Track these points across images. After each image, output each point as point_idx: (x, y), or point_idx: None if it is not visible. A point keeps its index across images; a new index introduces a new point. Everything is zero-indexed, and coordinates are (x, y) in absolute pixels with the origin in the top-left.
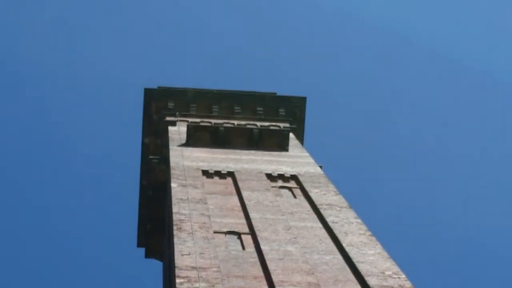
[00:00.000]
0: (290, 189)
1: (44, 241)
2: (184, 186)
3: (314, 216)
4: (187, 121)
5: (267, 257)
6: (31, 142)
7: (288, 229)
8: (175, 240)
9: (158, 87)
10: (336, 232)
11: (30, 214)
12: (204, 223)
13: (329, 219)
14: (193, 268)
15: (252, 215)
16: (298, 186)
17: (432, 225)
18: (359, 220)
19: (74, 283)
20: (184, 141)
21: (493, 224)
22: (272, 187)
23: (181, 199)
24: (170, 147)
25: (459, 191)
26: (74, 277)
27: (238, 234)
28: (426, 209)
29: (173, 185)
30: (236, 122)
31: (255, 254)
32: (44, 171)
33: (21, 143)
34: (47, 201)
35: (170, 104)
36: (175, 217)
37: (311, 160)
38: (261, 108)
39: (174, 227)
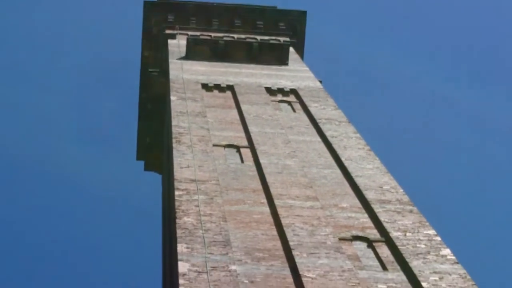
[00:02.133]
0: (289, 103)
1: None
2: (183, 99)
3: (313, 130)
4: (187, 34)
5: (266, 170)
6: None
7: (287, 143)
8: (174, 153)
9: (158, 0)
10: (335, 146)
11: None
12: (203, 136)
13: (328, 133)
14: (192, 180)
15: (251, 128)
16: (298, 100)
17: (430, 139)
18: (358, 135)
19: (72, 194)
20: (183, 54)
21: (497, 134)
22: (272, 101)
23: (180, 112)
24: (170, 60)
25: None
26: (73, 189)
27: (237, 148)
28: (425, 125)
29: (172, 98)
30: (236, 36)
31: (254, 168)
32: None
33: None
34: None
35: (170, 17)
36: (174, 130)
37: (311, 75)
38: (261, 22)
39: (173, 140)
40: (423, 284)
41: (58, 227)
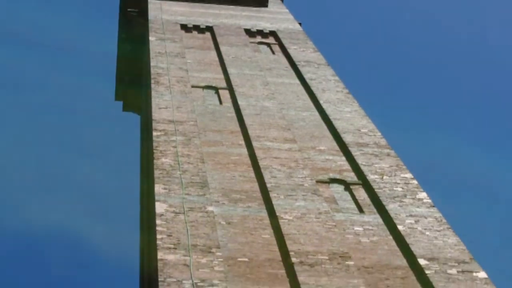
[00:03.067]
0: (268, 45)
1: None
2: (162, 40)
3: (292, 72)
4: None
5: (244, 112)
6: None
7: (266, 85)
8: (153, 93)
9: None
10: (313, 89)
11: None
12: (182, 77)
13: (306, 76)
14: (170, 121)
15: (230, 70)
16: (277, 42)
17: (410, 81)
18: (336, 78)
19: (54, 132)
20: None
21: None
22: (251, 43)
23: (159, 53)
24: (149, 0)
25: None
26: (54, 125)
27: (216, 89)
28: (405, 69)
29: (151, 38)
30: None
31: (232, 109)
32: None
33: None
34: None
35: None
36: (152, 70)
37: (291, 17)
38: None
39: (152, 81)
40: (399, 227)
41: None
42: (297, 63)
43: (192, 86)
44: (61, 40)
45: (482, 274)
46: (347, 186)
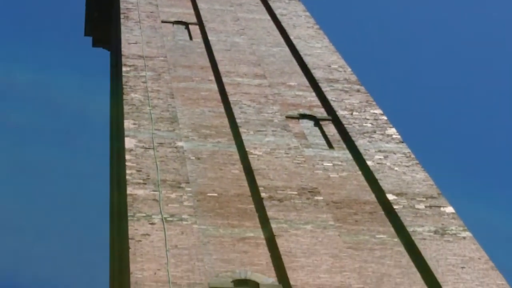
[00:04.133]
0: None
1: None
2: None
3: (263, 8)
4: None
5: (215, 47)
6: None
7: (236, 21)
8: (122, 29)
9: None
10: (284, 24)
11: None
12: (152, 12)
13: (277, 12)
14: (140, 57)
15: (201, 5)
16: None
17: (381, 17)
18: (307, 13)
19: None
20: None
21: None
22: None
23: None
24: None
25: None
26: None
27: (186, 24)
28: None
29: None
30: None
31: (202, 45)
32: None
33: None
34: None
35: None
36: (122, 5)
37: None
38: None
39: (121, 16)
40: (368, 162)
41: None
42: None
43: (162, 21)
44: None
45: (450, 209)
46: (316, 121)
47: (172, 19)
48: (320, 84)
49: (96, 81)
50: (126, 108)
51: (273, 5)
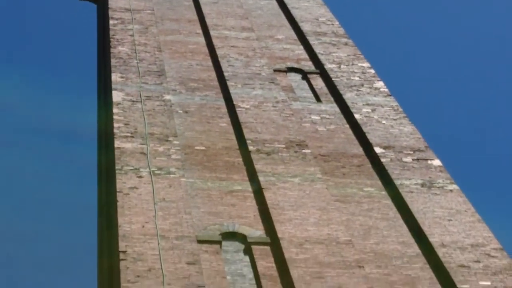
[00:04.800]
0: None
1: None
2: None
3: None
4: None
5: (202, 1)
6: None
7: None
8: None
9: None
10: None
11: None
12: None
13: None
14: (127, 10)
15: None
16: None
17: None
18: None
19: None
20: None
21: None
22: None
23: None
24: None
25: None
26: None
27: None
28: None
29: None
30: None
31: None
32: None
33: None
34: None
35: None
36: None
37: None
38: None
39: None
40: (356, 115)
41: None
42: None
43: None
44: None
45: (437, 162)
46: (304, 75)
47: None
48: (308, 38)
49: (83, 38)
50: (113, 61)
51: None
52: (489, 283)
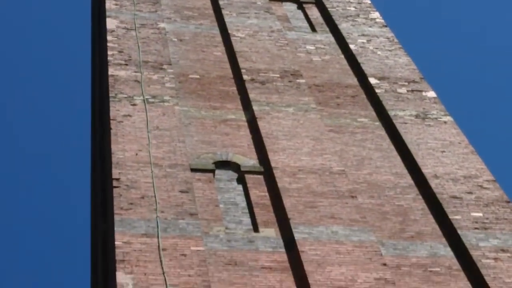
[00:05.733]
0: None
1: None
2: None
3: None
4: None
5: None
6: None
7: None
8: None
9: None
10: None
11: None
12: None
13: None
14: None
15: None
16: None
17: None
18: None
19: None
20: None
21: None
22: None
23: None
24: None
25: None
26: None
27: None
28: None
29: None
30: None
31: None
32: None
33: None
34: None
35: None
36: None
37: None
38: None
39: None
40: (351, 46)
41: None
42: None
43: None
44: None
45: (431, 94)
46: (300, 4)
47: None
48: None
49: None
50: None
51: None
52: (480, 214)
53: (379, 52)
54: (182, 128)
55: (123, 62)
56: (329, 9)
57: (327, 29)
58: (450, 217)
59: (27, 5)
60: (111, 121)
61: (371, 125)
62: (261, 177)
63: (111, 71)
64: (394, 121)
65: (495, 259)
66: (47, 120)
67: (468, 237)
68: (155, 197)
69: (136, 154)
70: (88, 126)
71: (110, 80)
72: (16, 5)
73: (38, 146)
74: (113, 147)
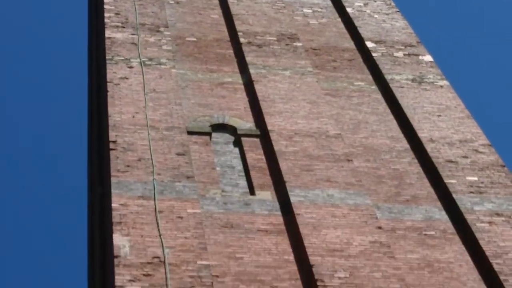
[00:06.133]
0: None
1: None
2: None
3: None
4: None
5: None
6: None
7: None
8: None
9: None
10: None
11: None
12: None
13: None
14: None
15: None
16: None
17: None
18: None
19: None
20: None
21: None
22: None
23: None
24: None
25: None
26: None
27: None
28: None
29: None
30: None
31: None
32: None
33: None
34: None
35: None
36: None
37: None
38: None
39: None
40: (348, 9)
41: None
42: None
43: None
44: None
45: (428, 58)
46: None
47: None
48: None
49: None
50: None
51: None
52: (476, 178)
53: (376, 16)
54: (179, 90)
55: (120, 24)
56: None
57: None
58: (445, 181)
59: None
60: (108, 84)
61: (367, 89)
62: (257, 140)
63: (108, 33)
64: (391, 85)
65: (490, 223)
66: (44, 84)
67: (463, 201)
68: (151, 159)
69: (133, 117)
70: (85, 90)
71: (107, 42)
72: None
73: (34, 110)
74: (110, 110)
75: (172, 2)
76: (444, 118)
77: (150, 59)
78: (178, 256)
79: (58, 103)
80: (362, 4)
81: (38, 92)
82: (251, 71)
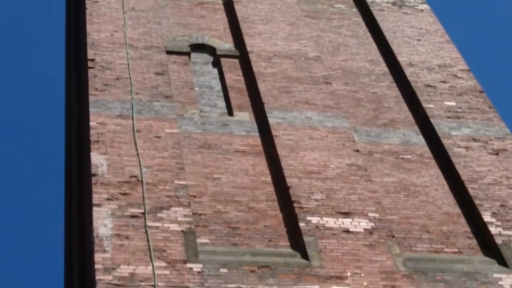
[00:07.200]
0: None
1: None
2: None
3: None
4: None
5: None
6: None
7: None
8: None
9: None
10: None
11: None
12: None
13: None
14: None
15: None
16: None
17: None
18: None
19: None
20: None
21: None
22: None
23: None
24: None
25: None
26: None
27: None
28: None
29: None
30: None
31: None
32: None
33: None
34: None
35: None
36: None
37: None
38: None
39: None
40: None
41: None
42: None
43: None
44: None
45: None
46: None
47: None
48: None
49: None
50: None
51: None
52: (454, 103)
53: None
54: (158, 9)
55: None
56: None
57: None
58: (424, 105)
59: None
60: (86, 1)
61: (347, 12)
62: (236, 61)
63: None
64: (371, 8)
65: (466, 148)
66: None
67: (440, 126)
68: (130, 78)
69: (112, 35)
70: (63, 7)
71: None
72: None
73: (8, 27)
74: (88, 28)
75: None
76: (424, 42)
77: None
78: (155, 175)
79: (34, 18)
80: None
81: (12, 9)
82: None
